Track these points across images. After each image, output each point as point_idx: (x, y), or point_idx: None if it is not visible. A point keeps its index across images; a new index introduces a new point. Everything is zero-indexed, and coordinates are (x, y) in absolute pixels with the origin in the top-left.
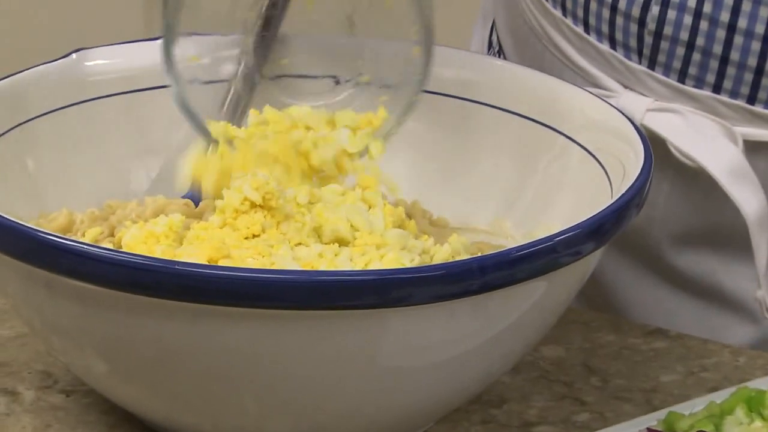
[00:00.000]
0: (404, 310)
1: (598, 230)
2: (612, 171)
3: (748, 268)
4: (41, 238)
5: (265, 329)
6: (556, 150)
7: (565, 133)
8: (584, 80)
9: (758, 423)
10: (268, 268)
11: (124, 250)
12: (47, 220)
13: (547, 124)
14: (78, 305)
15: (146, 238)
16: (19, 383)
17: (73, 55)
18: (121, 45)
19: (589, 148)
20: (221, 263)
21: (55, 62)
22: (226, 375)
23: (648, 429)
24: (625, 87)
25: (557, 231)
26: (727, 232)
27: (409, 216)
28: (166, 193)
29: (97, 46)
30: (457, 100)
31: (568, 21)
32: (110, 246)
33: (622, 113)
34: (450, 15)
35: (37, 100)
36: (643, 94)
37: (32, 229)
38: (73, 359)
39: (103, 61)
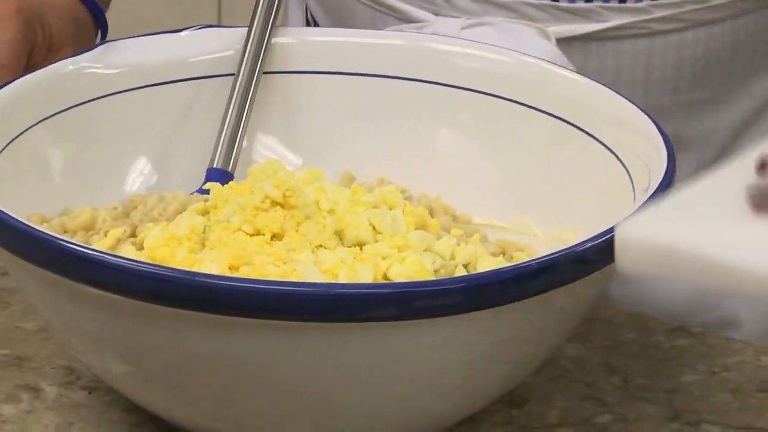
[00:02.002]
0: (424, 322)
1: None
2: (633, 169)
3: None
4: (64, 247)
5: (284, 340)
6: (577, 147)
7: (587, 130)
8: (397, 19)
9: None
10: (289, 275)
11: (146, 252)
12: (70, 218)
13: (569, 120)
14: (99, 312)
15: (168, 241)
16: (41, 379)
17: (100, 48)
18: (149, 37)
19: (611, 146)
20: (242, 270)
21: (81, 55)
22: (246, 382)
23: None
24: (437, 15)
25: (581, 237)
26: None
27: (432, 212)
28: (188, 186)
29: (123, 38)
30: (478, 94)
31: None
32: (132, 247)
33: (644, 112)
34: None
35: (63, 94)
36: (456, 17)
37: (55, 237)
38: (92, 361)
39: (130, 54)
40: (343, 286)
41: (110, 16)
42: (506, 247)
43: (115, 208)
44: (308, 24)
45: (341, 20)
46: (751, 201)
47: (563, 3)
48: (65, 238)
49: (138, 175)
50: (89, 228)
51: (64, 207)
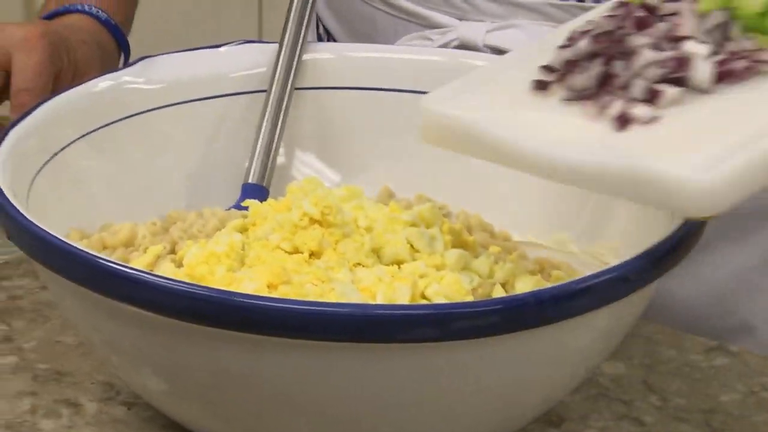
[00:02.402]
0: (461, 343)
1: (665, 257)
2: None
3: None
4: (102, 265)
5: (321, 359)
6: None
7: None
8: (420, 26)
9: None
10: (327, 294)
11: (185, 269)
12: (110, 233)
13: None
14: (137, 329)
15: (207, 258)
16: (81, 394)
17: (139, 63)
18: (188, 52)
19: None
20: (281, 289)
21: (121, 70)
22: (282, 401)
23: None
24: (461, 20)
25: (618, 256)
26: None
27: (470, 229)
28: (226, 200)
29: (162, 54)
30: None
31: None
32: (172, 264)
33: None
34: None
35: (102, 109)
36: (480, 21)
37: (93, 255)
38: (130, 377)
39: (170, 69)
40: (379, 307)
41: (154, 28)
42: (544, 265)
43: (154, 224)
44: (320, 38)
45: (359, 30)
46: (535, 81)
47: (589, 3)
48: (103, 256)
49: (177, 190)
50: (129, 244)
51: (104, 222)
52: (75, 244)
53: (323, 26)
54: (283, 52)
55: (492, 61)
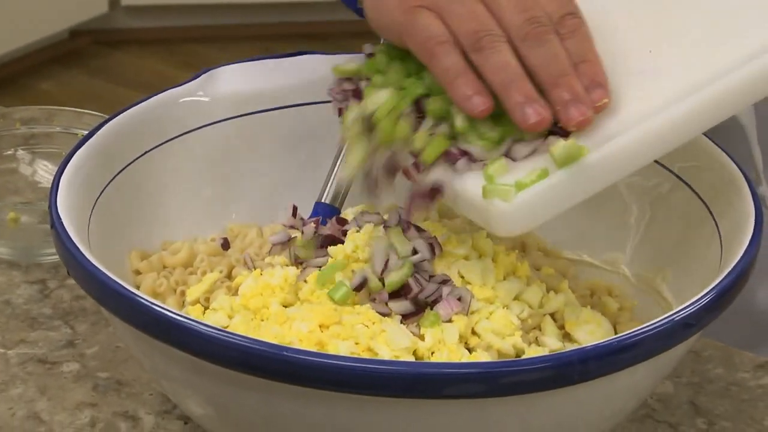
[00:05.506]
0: (508, 398)
1: (717, 303)
2: (719, 216)
3: None
4: (157, 313)
5: (369, 411)
6: (665, 188)
7: (675, 172)
8: None
9: None
10: (377, 336)
11: (240, 299)
12: (170, 252)
13: (659, 161)
14: (189, 368)
15: (262, 290)
16: (140, 407)
17: (202, 77)
18: (252, 62)
19: (697, 190)
20: (332, 329)
21: (184, 85)
22: None
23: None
24: None
25: (669, 283)
26: None
27: (524, 247)
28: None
29: (226, 64)
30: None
31: None
32: (226, 293)
33: (733, 160)
34: None
35: (166, 124)
36: None
37: (150, 303)
38: (179, 402)
39: (229, 82)
40: (426, 365)
41: None
42: (595, 289)
43: (213, 240)
44: None
45: None
46: None
47: None
48: (158, 303)
49: (239, 204)
50: (188, 264)
51: (167, 237)
52: (131, 289)
53: None
54: None
55: None
